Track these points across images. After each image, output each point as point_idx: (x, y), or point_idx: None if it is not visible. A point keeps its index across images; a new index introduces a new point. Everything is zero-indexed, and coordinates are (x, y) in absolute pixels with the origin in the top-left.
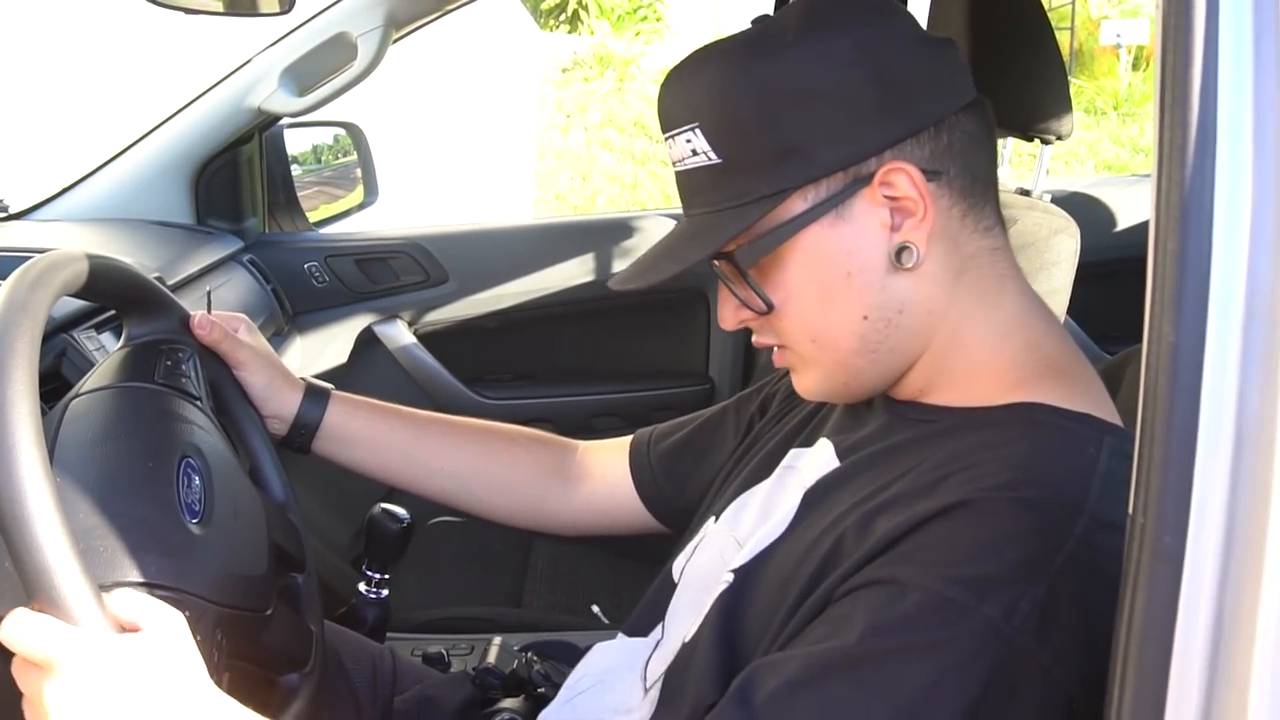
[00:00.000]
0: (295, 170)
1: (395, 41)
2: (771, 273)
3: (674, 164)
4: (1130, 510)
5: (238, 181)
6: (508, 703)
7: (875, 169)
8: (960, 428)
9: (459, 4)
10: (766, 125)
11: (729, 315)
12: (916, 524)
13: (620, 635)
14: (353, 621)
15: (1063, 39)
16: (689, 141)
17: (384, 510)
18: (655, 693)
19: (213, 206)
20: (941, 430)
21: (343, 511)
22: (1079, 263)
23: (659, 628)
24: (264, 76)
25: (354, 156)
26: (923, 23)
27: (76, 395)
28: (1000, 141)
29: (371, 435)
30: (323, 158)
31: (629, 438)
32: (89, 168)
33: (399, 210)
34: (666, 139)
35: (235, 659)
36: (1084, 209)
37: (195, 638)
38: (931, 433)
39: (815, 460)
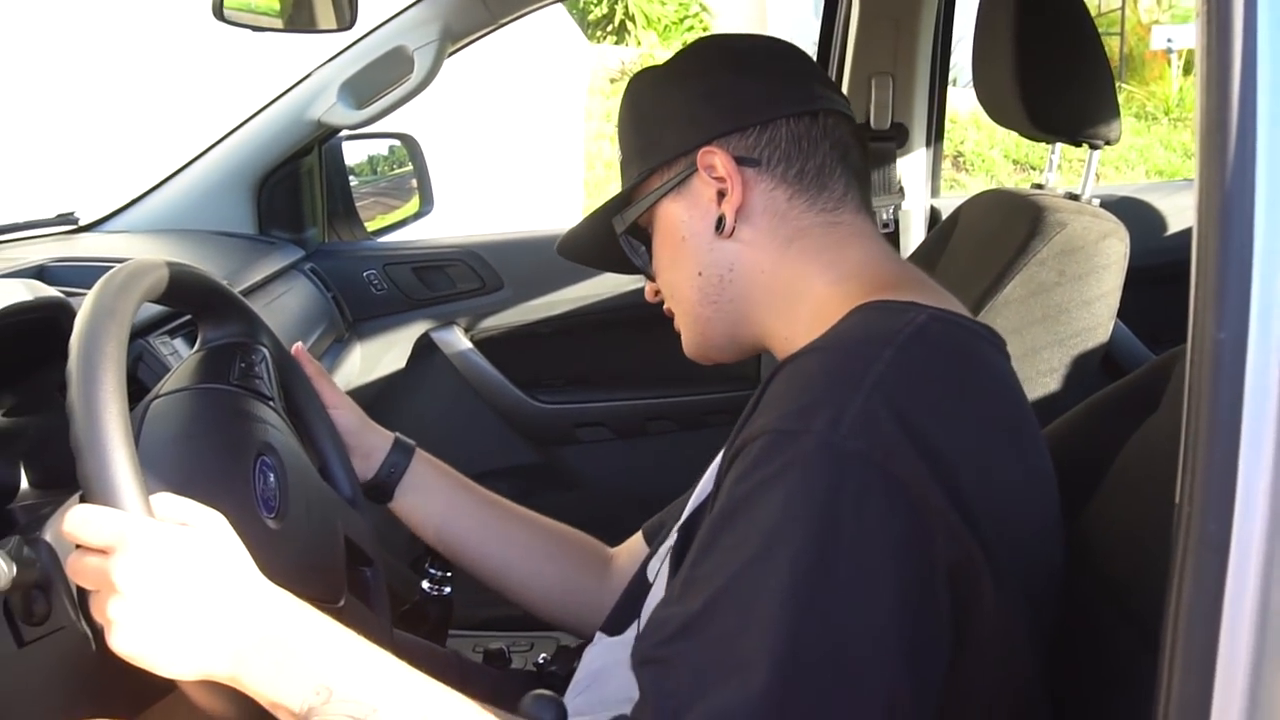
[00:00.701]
0: (352, 182)
1: (451, 55)
2: (649, 243)
3: None
4: (1177, 498)
5: (298, 192)
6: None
7: (707, 147)
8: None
9: (512, 17)
10: (637, 125)
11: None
12: (756, 399)
13: (600, 635)
14: (416, 618)
15: (1112, 44)
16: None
17: None
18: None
19: (274, 217)
20: (792, 359)
21: None
22: (1129, 267)
23: (634, 625)
24: (324, 90)
25: (409, 167)
26: (970, 30)
27: (157, 396)
28: (1048, 147)
29: (449, 497)
30: (378, 169)
31: (639, 533)
32: (155, 180)
33: (452, 220)
34: None
35: None
36: (1133, 213)
37: None
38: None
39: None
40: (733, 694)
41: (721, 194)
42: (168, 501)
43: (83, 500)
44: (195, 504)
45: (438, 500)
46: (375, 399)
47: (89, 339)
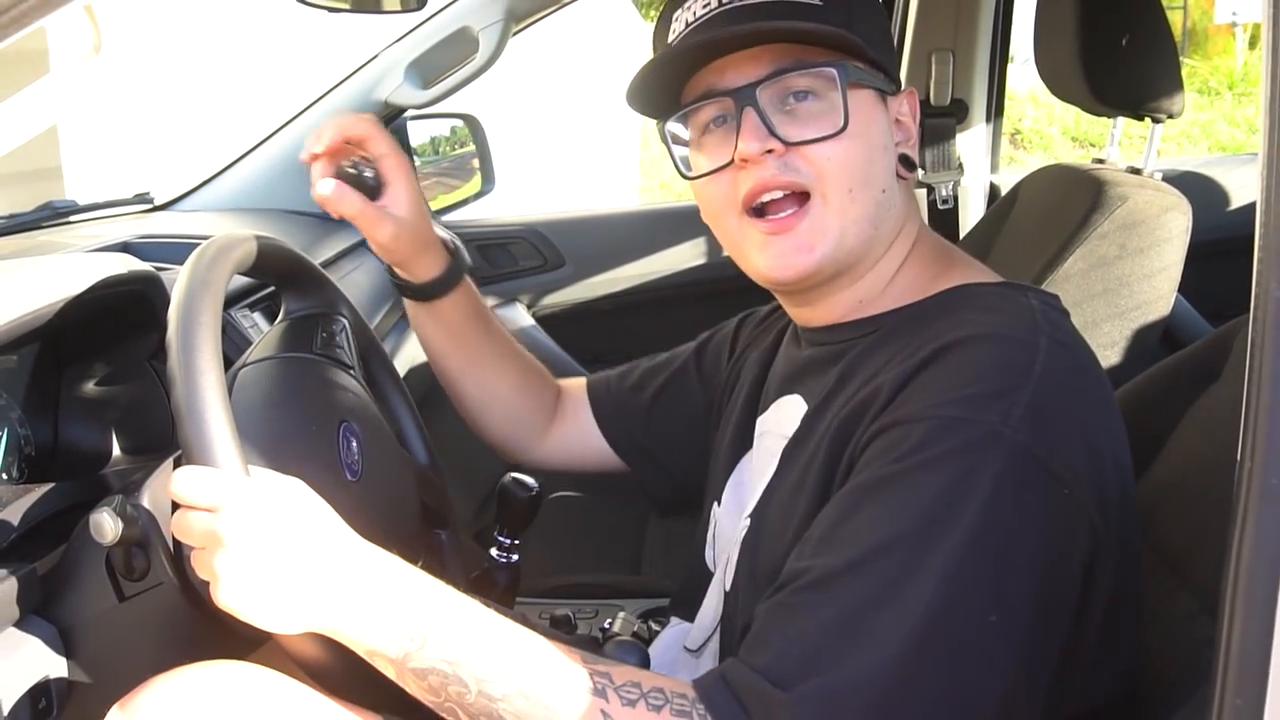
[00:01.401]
0: (415, 161)
1: (514, 35)
2: (838, 109)
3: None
4: (1239, 455)
5: None
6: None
7: (898, 89)
8: (904, 324)
9: None
10: (847, 6)
11: (760, 139)
12: (904, 380)
13: (675, 619)
14: (486, 584)
15: (1175, 18)
16: None
17: (514, 479)
18: (713, 643)
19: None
20: (889, 331)
21: (466, 487)
22: (1191, 242)
23: (710, 636)
24: (390, 71)
25: (470, 147)
26: (1030, 5)
27: (244, 365)
28: (1108, 123)
29: (461, 332)
30: (439, 149)
31: (583, 383)
32: (227, 161)
33: (511, 198)
34: None
35: None
36: (1196, 188)
37: None
38: (880, 338)
39: (784, 415)
40: (860, 663)
41: (898, 132)
42: (256, 471)
43: (182, 462)
44: (277, 473)
45: (450, 332)
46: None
47: (187, 309)
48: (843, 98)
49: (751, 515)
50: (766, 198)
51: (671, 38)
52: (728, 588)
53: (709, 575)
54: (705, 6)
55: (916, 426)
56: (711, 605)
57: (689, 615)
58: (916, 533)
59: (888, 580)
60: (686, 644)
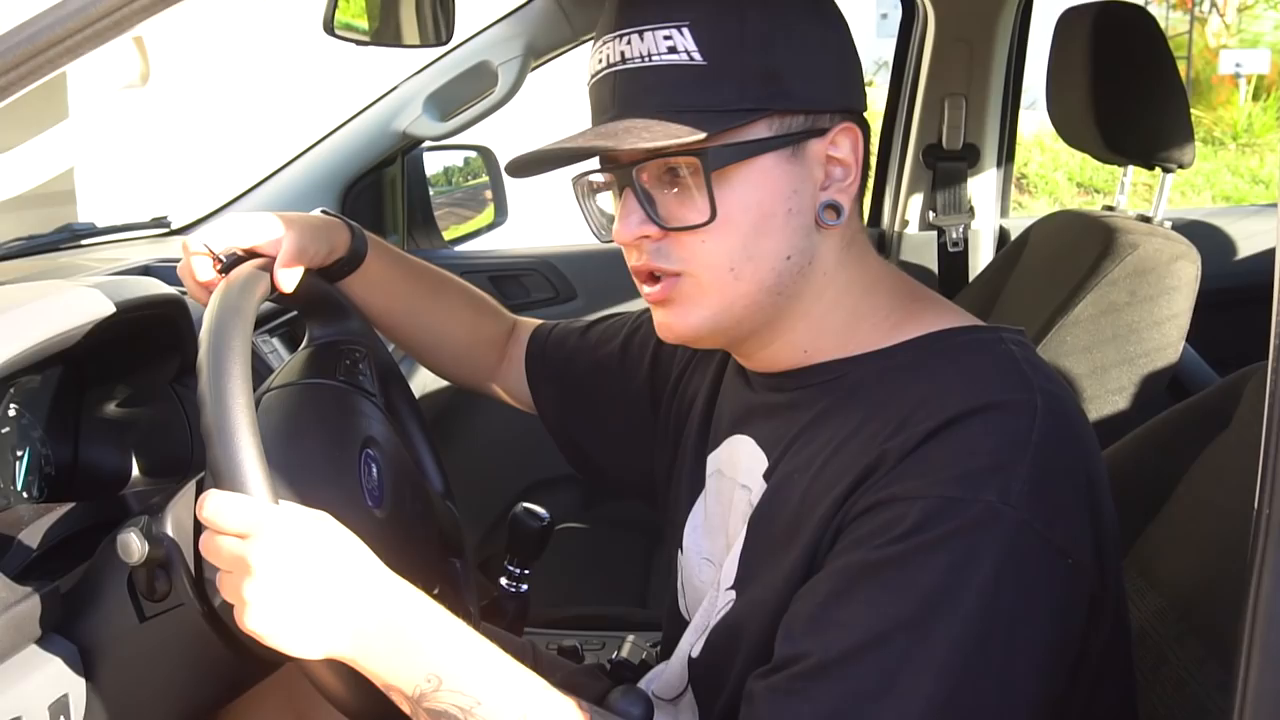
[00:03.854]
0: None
1: (533, 70)
2: (715, 189)
3: (626, 61)
4: (1255, 503)
5: (381, 200)
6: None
7: (829, 125)
8: (875, 377)
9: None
10: (765, 44)
11: (632, 226)
12: (900, 457)
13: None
14: (494, 614)
15: (1178, 68)
16: (668, 38)
17: (525, 509)
18: (688, 699)
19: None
20: (855, 383)
21: (472, 516)
22: (1198, 290)
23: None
24: (409, 102)
25: (483, 179)
26: (1045, 51)
27: (268, 390)
28: (1112, 170)
29: (393, 287)
30: (453, 180)
31: (530, 327)
32: (244, 187)
33: (524, 230)
34: (621, 34)
35: None
36: (1203, 237)
37: None
38: (846, 389)
39: (737, 457)
40: None
41: (832, 173)
42: (285, 501)
43: (207, 484)
44: (304, 504)
45: (382, 289)
46: (448, 404)
47: (218, 334)
48: (707, 187)
49: (734, 588)
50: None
51: (588, 77)
52: (694, 655)
53: (685, 624)
54: (599, 62)
55: (914, 506)
56: (677, 666)
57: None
58: (916, 621)
59: (885, 671)
60: (657, 691)
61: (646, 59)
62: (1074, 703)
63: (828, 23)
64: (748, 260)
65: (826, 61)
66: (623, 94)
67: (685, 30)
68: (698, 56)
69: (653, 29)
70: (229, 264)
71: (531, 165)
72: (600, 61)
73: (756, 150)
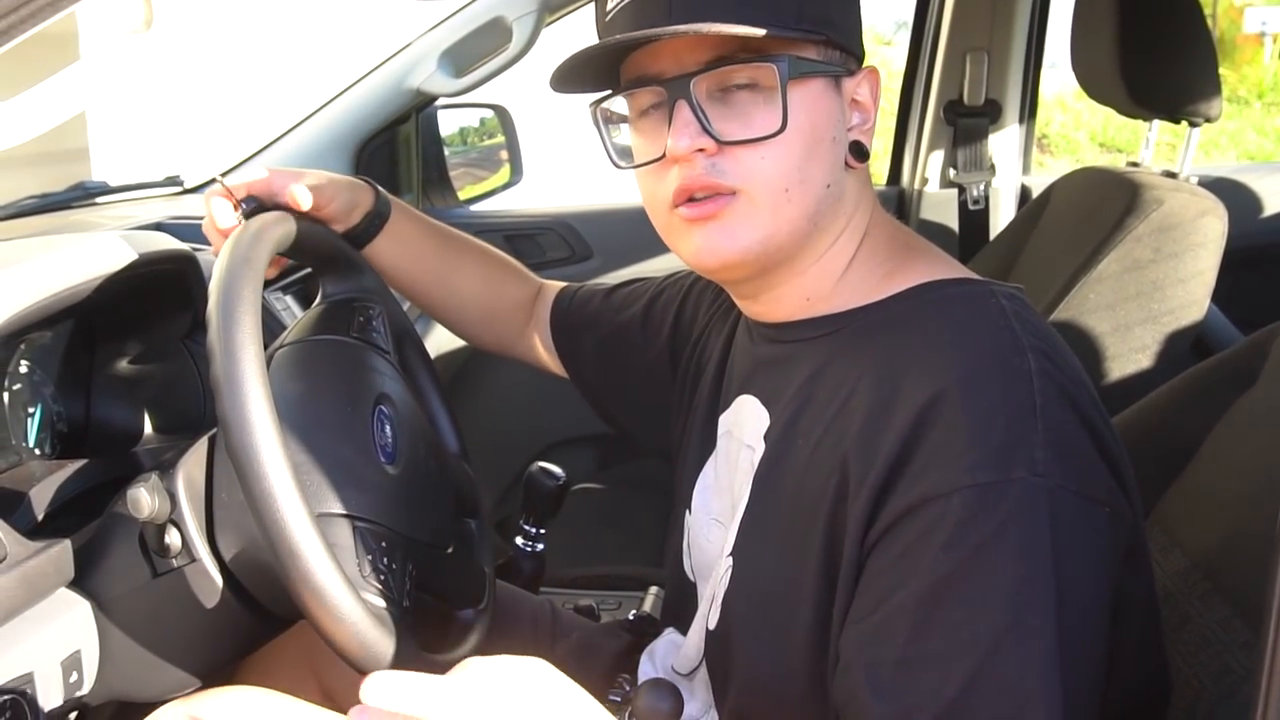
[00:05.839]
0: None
1: (547, 25)
2: (773, 105)
3: None
4: None
5: (395, 159)
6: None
7: (857, 69)
8: (867, 330)
9: None
10: None
11: (689, 137)
12: (906, 440)
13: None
14: (510, 573)
15: None
16: None
17: (541, 469)
18: (701, 675)
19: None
20: (850, 336)
21: (488, 476)
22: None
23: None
24: (423, 59)
25: (498, 139)
26: (1065, 7)
27: (281, 346)
28: (1134, 131)
29: (418, 247)
30: (468, 140)
31: (559, 289)
32: (258, 146)
33: (540, 189)
34: None
35: (422, 591)
36: (1230, 194)
37: (391, 566)
38: (840, 344)
39: (744, 418)
40: None
41: (854, 115)
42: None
43: (219, 438)
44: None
45: (408, 251)
46: (464, 365)
47: (228, 285)
48: (782, 97)
49: (732, 554)
50: (695, 195)
51: (610, 6)
52: (711, 626)
53: (690, 586)
54: None
55: (951, 501)
56: (695, 639)
57: (681, 628)
58: (1015, 622)
59: (1013, 686)
60: (675, 666)
61: None
62: (1123, 648)
63: None
64: (800, 182)
65: (857, 6)
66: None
67: None
68: None
69: None
70: (248, 211)
71: (578, 70)
72: None
73: (815, 71)
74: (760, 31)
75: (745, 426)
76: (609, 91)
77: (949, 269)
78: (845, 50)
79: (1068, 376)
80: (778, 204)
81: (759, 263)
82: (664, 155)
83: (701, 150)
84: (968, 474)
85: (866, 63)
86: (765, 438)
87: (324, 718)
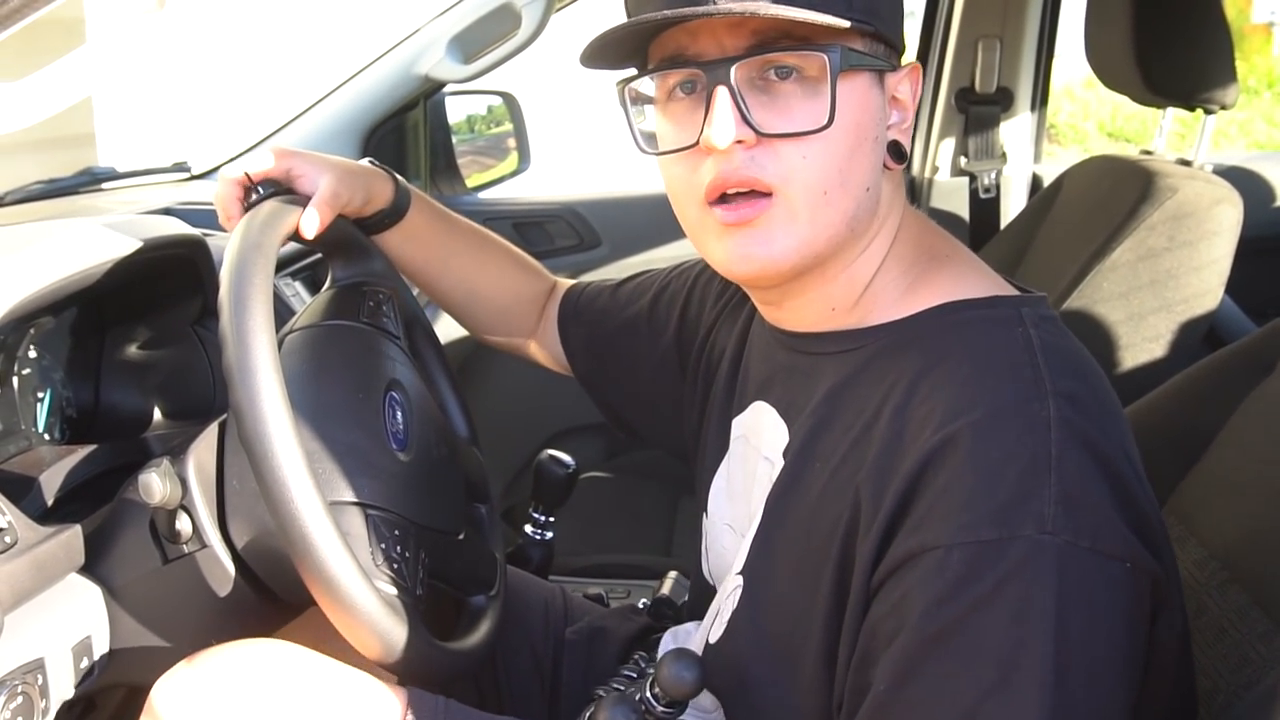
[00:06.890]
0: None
1: (557, 11)
2: (824, 100)
3: None
4: None
5: (403, 145)
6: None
7: (899, 64)
8: (890, 350)
9: None
10: None
11: (729, 127)
12: (912, 483)
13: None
14: (519, 561)
15: None
16: None
17: (551, 457)
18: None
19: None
20: (868, 359)
21: (497, 463)
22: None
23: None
24: (432, 45)
25: (506, 126)
26: None
27: (291, 331)
28: (1160, 112)
29: (433, 240)
30: (475, 127)
31: (568, 286)
32: (265, 131)
33: (548, 177)
34: None
35: (434, 578)
36: (1243, 182)
37: (404, 554)
38: (861, 362)
39: (761, 425)
40: None
41: (894, 113)
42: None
43: (231, 423)
44: None
45: (423, 244)
46: (474, 351)
47: (239, 271)
48: (831, 89)
49: (743, 574)
50: (729, 191)
51: None
52: (712, 640)
53: (710, 589)
54: None
55: (952, 554)
56: (697, 647)
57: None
58: (1001, 683)
59: None
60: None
61: None
62: (1153, 689)
63: None
64: (841, 184)
65: (899, 11)
66: None
67: None
68: None
69: None
70: (263, 195)
71: (611, 46)
72: None
73: (863, 64)
74: (824, 17)
75: (763, 437)
76: (636, 71)
77: (976, 282)
78: (889, 44)
79: (1093, 422)
80: (816, 208)
81: (794, 271)
82: (697, 143)
83: (740, 142)
84: (969, 529)
85: None
86: (784, 454)
87: (335, 670)
